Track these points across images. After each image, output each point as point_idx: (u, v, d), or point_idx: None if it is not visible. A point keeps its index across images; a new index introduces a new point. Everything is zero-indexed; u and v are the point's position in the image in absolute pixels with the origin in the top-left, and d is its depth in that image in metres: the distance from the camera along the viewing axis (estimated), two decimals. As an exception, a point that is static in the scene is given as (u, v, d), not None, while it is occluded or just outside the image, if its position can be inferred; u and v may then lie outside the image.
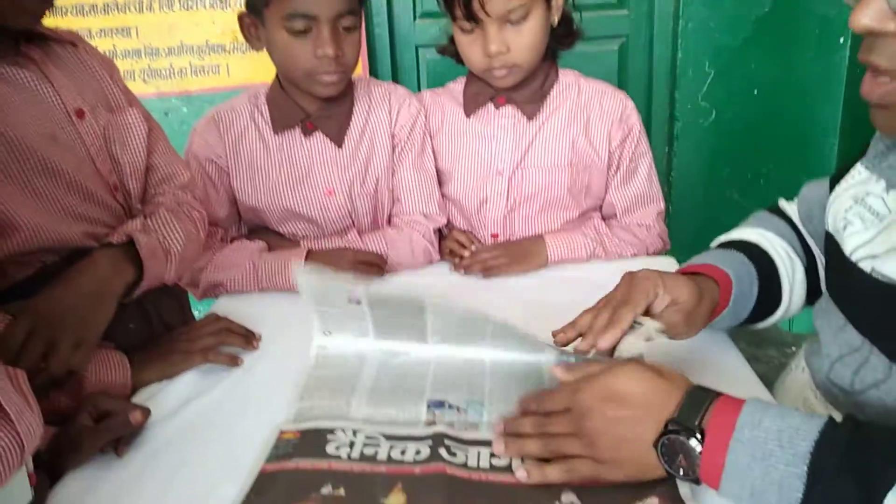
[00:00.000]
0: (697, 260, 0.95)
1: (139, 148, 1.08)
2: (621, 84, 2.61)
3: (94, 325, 0.91)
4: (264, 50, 1.27)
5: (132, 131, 1.08)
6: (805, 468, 0.59)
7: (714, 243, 1.02)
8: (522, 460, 0.74)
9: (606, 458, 0.69)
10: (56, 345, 0.84)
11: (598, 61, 2.54)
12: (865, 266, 0.74)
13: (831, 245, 0.83)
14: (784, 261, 0.96)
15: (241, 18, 1.26)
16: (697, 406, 0.65)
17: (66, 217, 0.97)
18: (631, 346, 0.81)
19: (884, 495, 0.55)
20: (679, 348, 0.95)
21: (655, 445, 0.66)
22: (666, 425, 0.66)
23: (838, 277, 0.81)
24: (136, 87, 2.47)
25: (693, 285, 0.85)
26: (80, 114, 1.01)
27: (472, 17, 1.21)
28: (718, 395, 0.67)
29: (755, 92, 2.59)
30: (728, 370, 0.96)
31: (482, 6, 1.20)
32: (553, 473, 0.70)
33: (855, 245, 0.76)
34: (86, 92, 1.04)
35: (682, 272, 0.92)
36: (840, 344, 0.80)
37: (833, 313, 0.81)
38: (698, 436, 0.64)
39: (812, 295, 0.97)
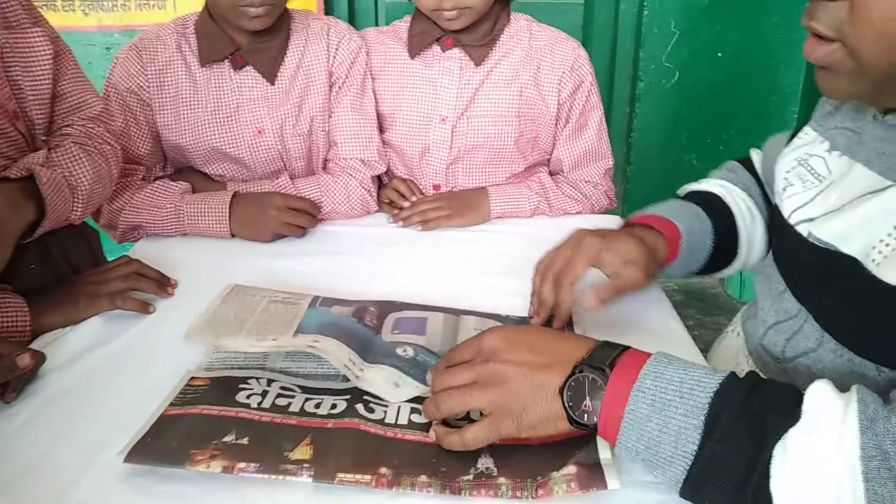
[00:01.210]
0: (652, 210, 0.95)
1: (43, 71, 0.99)
2: (585, 41, 2.56)
3: None
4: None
5: (35, 52, 0.98)
6: (702, 419, 0.58)
7: (680, 191, 1.03)
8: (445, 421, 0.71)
9: (512, 405, 0.66)
10: None
11: (562, 15, 2.48)
12: (802, 230, 0.73)
13: (775, 208, 0.83)
14: (744, 215, 0.96)
15: None
16: (606, 354, 0.65)
17: None
18: None
19: (772, 446, 0.55)
20: (619, 312, 0.94)
21: (561, 391, 0.64)
22: (574, 369, 0.64)
23: (779, 241, 0.81)
24: (76, 20, 2.35)
25: (638, 244, 0.85)
26: None
27: None
28: (627, 347, 0.66)
29: (719, 55, 2.57)
30: (667, 334, 0.94)
31: None
32: (454, 442, 0.67)
33: (793, 207, 0.76)
34: None
35: (634, 221, 0.93)
36: (777, 310, 0.80)
37: (775, 278, 0.81)
38: (607, 371, 0.63)
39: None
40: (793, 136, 0.88)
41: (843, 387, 0.58)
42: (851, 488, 0.51)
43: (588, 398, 0.63)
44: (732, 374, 0.60)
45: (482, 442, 0.66)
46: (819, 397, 0.56)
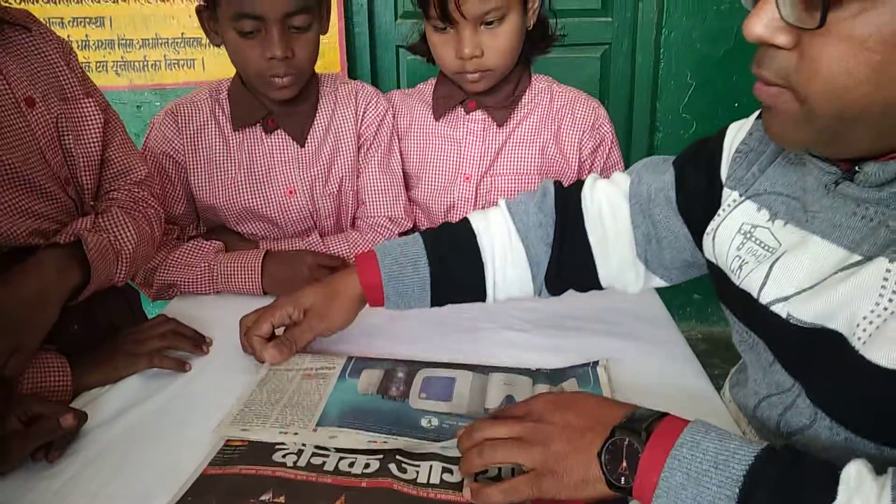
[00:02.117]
0: (377, 248, 1.00)
1: (94, 140, 1.04)
2: (603, 92, 2.60)
3: (34, 331, 0.87)
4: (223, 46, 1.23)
5: (87, 122, 1.03)
6: (737, 490, 0.58)
7: (468, 214, 1.04)
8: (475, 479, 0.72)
9: (554, 465, 0.67)
10: None
11: (580, 68, 2.53)
12: (780, 311, 0.71)
13: (723, 281, 0.81)
14: (494, 257, 0.97)
15: (198, 12, 1.23)
16: (644, 418, 0.66)
17: (12, 213, 0.92)
18: None
19: None
20: (648, 370, 0.96)
21: (599, 454, 0.66)
22: (612, 432, 0.66)
23: (753, 318, 0.78)
24: (109, 80, 2.44)
25: (321, 289, 0.98)
26: (30, 103, 0.96)
27: (446, 17, 1.19)
28: (666, 414, 0.67)
29: (736, 104, 2.59)
30: (696, 393, 0.93)
31: (458, 7, 1.17)
32: (493, 492, 0.68)
33: (757, 287, 0.74)
34: (38, 80, 0.99)
35: (356, 256, 1.01)
36: (769, 383, 0.78)
37: (761, 347, 0.79)
38: (643, 436, 0.64)
39: (576, 286, 1.02)
40: (685, 158, 0.91)
41: (844, 466, 0.57)
42: None
43: (625, 461, 0.64)
44: (769, 447, 0.60)
45: (521, 496, 0.67)
46: (854, 478, 0.55)
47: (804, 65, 0.59)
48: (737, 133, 0.85)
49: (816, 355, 0.68)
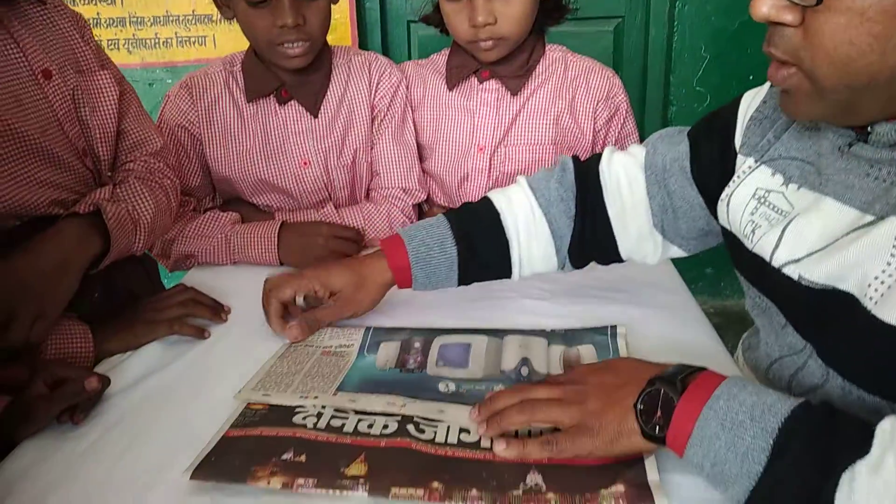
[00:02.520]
0: (407, 232, 0.99)
1: (110, 112, 1.05)
2: (616, 66, 2.58)
3: (57, 297, 0.89)
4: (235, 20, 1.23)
5: (103, 94, 1.04)
6: (771, 442, 0.59)
7: (488, 192, 1.04)
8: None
9: (590, 421, 0.69)
10: (15, 316, 0.82)
11: (593, 41, 2.51)
12: (791, 273, 0.72)
13: (737, 247, 0.82)
14: (519, 234, 0.98)
15: None
16: (681, 371, 0.68)
17: (31, 183, 0.93)
18: None
19: (839, 476, 0.55)
20: (662, 335, 0.97)
21: (635, 405, 0.68)
22: (648, 383, 0.68)
23: (766, 282, 0.79)
24: (121, 57, 2.44)
25: (350, 275, 0.97)
26: (46, 74, 0.97)
27: None
28: (704, 368, 0.68)
29: (751, 77, 2.57)
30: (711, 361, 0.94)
31: None
32: (532, 447, 0.70)
33: (770, 249, 0.75)
34: (53, 52, 1.00)
35: (381, 241, 1.00)
36: (781, 345, 0.80)
37: (773, 311, 0.80)
38: (678, 387, 0.65)
39: (598, 259, 1.03)
40: (700, 130, 0.91)
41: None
42: None
43: (660, 411, 0.65)
44: (806, 402, 0.61)
45: (559, 451, 0.70)
46: (889, 431, 0.56)
47: (810, 40, 0.61)
48: (751, 101, 0.85)
49: (828, 316, 0.69)
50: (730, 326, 1.02)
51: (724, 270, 2.80)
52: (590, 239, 0.99)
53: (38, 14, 1.00)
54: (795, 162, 0.75)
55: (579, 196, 0.98)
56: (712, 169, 0.88)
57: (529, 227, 0.98)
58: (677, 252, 1.00)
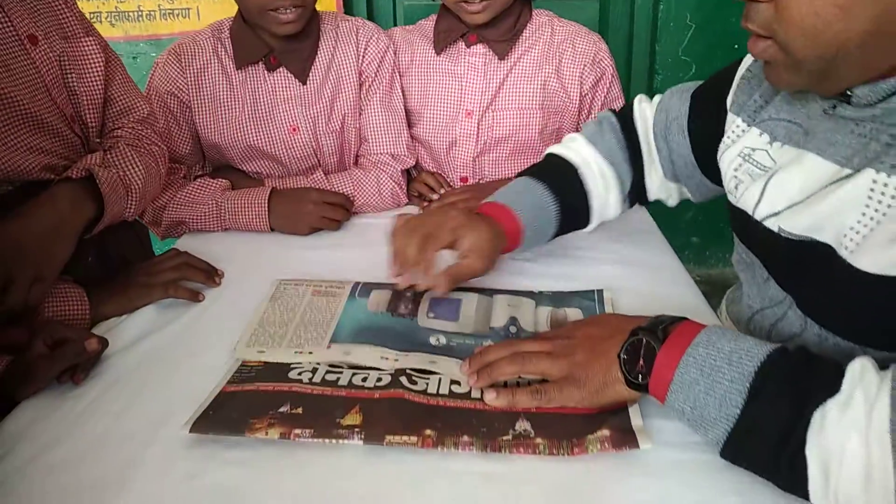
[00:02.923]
0: (501, 197, 0.99)
1: (96, 78, 1.05)
2: (602, 35, 2.55)
3: (53, 261, 0.90)
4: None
5: (89, 60, 1.04)
6: (747, 385, 0.61)
7: (548, 150, 1.08)
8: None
9: (577, 373, 0.72)
10: (13, 280, 0.83)
11: (578, 10, 2.50)
12: (772, 225, 0.75)
13: (728, 202, 0.86)
14: (598, 184, 1.02)
15: None
16: (662, 321, 0.70)
17: (23, 149, 0.94)
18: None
19: (811, 414, 0.58)
20: (652, 296, 0.99)
21: (619, 355, 0.70)
22: (631, 333, 0.70)
23: (750, 237, 0.82)
24: (103, 30, 2.39)
25: (488, 234, 0.92)
26: (33, 40, 0.97)
27: None
28: (685, 318, 0.71)
29: (735, 46, 2.57)
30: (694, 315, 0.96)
31: None
32: (521, 396, 0.73)
33: (752, 203, 0.78)
34: (39, 18, 1.00)
35: (480, 211, 0.98)
36: (763, 297, 0.83)
37: (757, 265, 0.83)
38: (660, 335, 0.68)
39: (640, 200, 1.08)
40: (704, 91, 0.95)
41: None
42: (879, 458, 0.54)
43: (642, 360, 0.68)
44: (782, 347, 0.64)
45: (547, 400, 0.73)
46: (858, 370, 0.59)
47: (781, 13, 0.65)
48: (746, 61, 0.88)
49: (807, 267, 0.72)
50: (715, 294, 1.05)
51: (709, 239, 2.83)
52: (637, 183, 1.05)
53: None
54: (783, 123, 0.78)
55: (629, 145, 1.04)
56: (707, 127, 0.92)
57: (604, 179, 1.02)
58: (688, 195, 1.06)
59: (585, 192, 1.01)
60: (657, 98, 1.04)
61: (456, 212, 0.94)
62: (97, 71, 1.05)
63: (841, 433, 0.56)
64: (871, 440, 0.54)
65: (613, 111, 1.08)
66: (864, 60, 0.64)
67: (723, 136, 0.87)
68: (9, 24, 0.95)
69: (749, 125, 0.83)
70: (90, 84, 1.04)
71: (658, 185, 1.05)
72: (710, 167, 0.92)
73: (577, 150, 1.04)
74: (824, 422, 0.57)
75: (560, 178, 1.02)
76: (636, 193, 1.06)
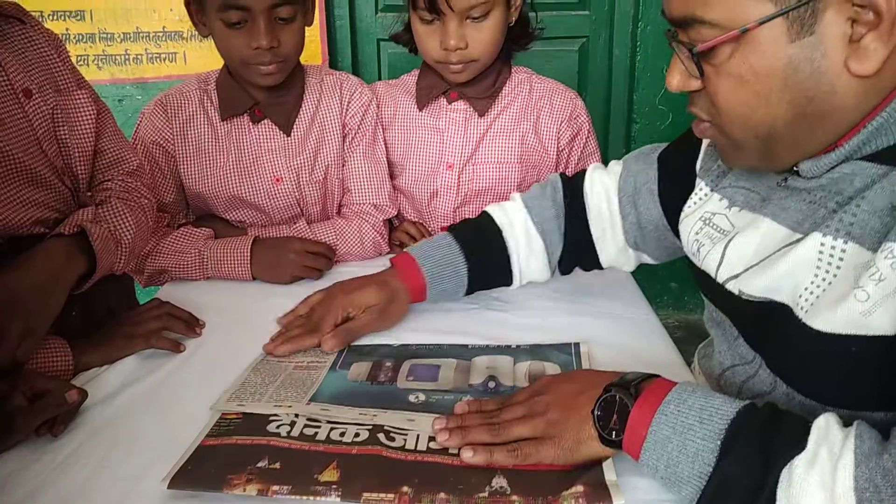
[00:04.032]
0: (415, 249, 1.08)
1: (87, 131, 1.07)
2: (581, 85, 2.64)
3: (45, 315, 0.90)
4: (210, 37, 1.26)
5: (81, 113, 1.06)
6: (718, 443, 0.63)
7: (485, 208, 1.12)
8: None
9: (551, 431, 0.73)
10: (5, 333, 0.83)
11: (558, 60, 2.56)
12: (732, 288, 0.78)
13: (691, 264, 0.89)
14: (519, 248, 1.07)
15: (187, 4, 1.26)
16: (634, 378, 0.72)
17: (16, 203, 0.95)
18: None
19: (780, 471, 0.59)
20: (624, 348, 1.01)
21: (593, 412, 0.72)
22: (604, 390, 0.72)
23: (715, 298, 0.85)
24: (90, 73, 2.42)
25: (377, 292, 1.03)
26: (27, 93, 0.98)
27: (434, 9, 1.23)
28: (657, 375, 0.73)
29: (710, 97, 2.63)
30: (668, 369, 0.98)
31: (446, 0, 1.21)
32: (498, 454, 0.74)
33: (714, 267, 0.82)
34: (33, 71, 1.02)
35: (393, 261, 1.08)
36: (734, 354, 0.85)
37: (727, 324, 0.86)
38: (632, 392, 0.70)
39: (592, 266, 1.11)
40: (669, 153, 0.99)
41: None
42: None
43: (615, 416, 0.70)
44: (751, 404, 0.66)
45: (524, 458, 0.73)
46: (823, 427, 0.61)
47: (713, 101, 0.71)
48: None
49: (769, 327, 0.75)
50: (692, 340, 1.07)
51: (687, 285, 2.86)
52: (577, 251, 1.08)
53: (18, 33, 1.02)
54: (742, 189, 0.82)
55: (568, 214, 1.08)
56: (676, 190, 0.95)
57: (528, 244, 1.07)
58: (649, 260, 1.09)
59: (507, 254, 1.07)
60: (616, 166, 1.07)
61: (337, 291, 1.05)
62: (88, 124, 1.07)
63: (808, 491, 0.57)
64: (836, 497, 0.56)
65: (563, 176, 1.11)
66: (794, 140, 0.69)
67: (688, 198, 0.91)
68: (5, 78, 0.97)
69: (712, 190, 0.87)
70: (81, 137, 1.06)
71: (615, 254, 1.08)
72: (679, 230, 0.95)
73: (508, 211, 1.09)
74: (791, 479, 0.58)
75: (481, 237, 1.07)
76: (580, 260, 1.10)
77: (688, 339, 1.06)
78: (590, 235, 1.07)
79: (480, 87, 1.35)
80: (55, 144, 1.02)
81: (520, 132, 1.37)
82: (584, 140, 1.40)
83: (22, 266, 0.90)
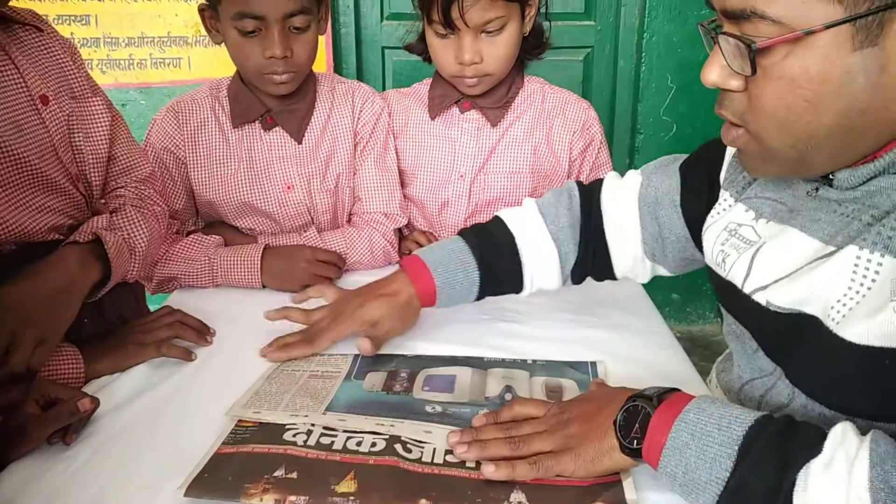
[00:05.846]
0: (425, 253, 1.06)
1: (102, 138, 1.06)
2: (585, 95, 2.64)
3: (59, 323, 0.90)
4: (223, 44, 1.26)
5: (96, 120, 1.06)
6: (736, 448, 0.64)
7: (498, 212, 1.10)
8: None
9: (571, 443, 0.74)
10: (19, 341, 0.83)
11: (563, 71, 2.57)
12: (760, 299, 0.78)
13: (714, 275, 0.88)
14: (532, 256, 1.05)
15: (201, 11, 1.26)
16: (656, 390, 0.73)
17: (32, 209, 0.95)
18: None
19: (795, 475, 0.60)
20: (638, 360, 1.01)
21: (615, 422, 0.72)
22: (628, 399, 0.72)
23: (738, 308, 0.84)
24: (94, 78, 2.43)
25: (384, 304, 1.02)
26: (44, 100, 0.99)
27: (449, 24, 1.23)
28: (677, 389, 0.73)
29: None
30: (682, 381, 0.98)
31: (461, 16, 1.21)
32: (520, 468, 0.74)
33: (741, 278, 0.81)
34: (50, 78, 1.02)
35: (403, 264, 1.06)
36: (753, 368, 0.85)
37: (746, 337, 0.86)
38: (654, 402, 0.70)
39: (605, 277, 1.10)
40: (691, 163, 0.98)
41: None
42: None
43: (637, 424, 0.70)
44: (768, 414, 0.66)
45: (545, 471, 0.73)
46: (840, 434, 0.62)
47: (753, 104, 0.68)
48: None
49: (795, 338, 0.75)
50: (694, 351, 1.07)
51: (690, 296, 2.86)
52: (590, 261, 1.07)
53: (34, 40, 1.02)
54: (769, 201, 0.81)
55: (584, 223, 1.06)
56: (700, 202, 0.95)
57: (541, 252, 1.05)
58: (664, 272, 1.08)
59: (519, 261, 1.05)
60: (635, 176, 1.06)
61: (351, 308, 1.03)
62: (103, 130, 1.07)
63: (824, 492, 0.58)
64: (851, 498, 0.57)
65: (580, 184, 1.10)
66: (834, 150, 0.68)
67: (712, 209, 0.90)
68: (23, 84, 0.97)
69: (736, 200, 0.86)
70: (96, 144, 1.06)
71: (630, 264, 1.07)
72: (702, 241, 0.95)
73: (522, 218, 1.07)
74: (808, 481, 0.59)
75: (493, 243, 1.05)
76: (593, 270, 1.09)
77: (691, 351, 1.05)
78: (605, 245, 1.06)
79: (493, 97, 1.35)
80: (70, 151, 1.02)
81: (532, 142, 1.37)
82: (597, 150, 1.40)
83: (37, 274, 0.90)
